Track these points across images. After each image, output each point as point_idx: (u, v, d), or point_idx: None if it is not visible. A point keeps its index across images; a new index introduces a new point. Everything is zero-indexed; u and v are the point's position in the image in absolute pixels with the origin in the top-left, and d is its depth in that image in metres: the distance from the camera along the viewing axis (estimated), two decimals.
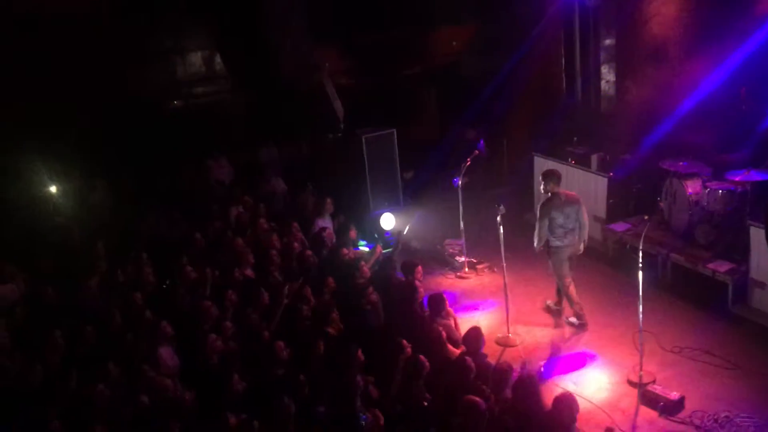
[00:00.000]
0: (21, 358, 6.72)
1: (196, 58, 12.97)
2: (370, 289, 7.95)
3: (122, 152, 11.51)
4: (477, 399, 5.52)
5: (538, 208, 8.52)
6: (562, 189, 8.50)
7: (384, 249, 9.84)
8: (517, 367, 7.57)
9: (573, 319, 8.67)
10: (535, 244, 8.56)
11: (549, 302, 9.07)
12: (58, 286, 8.08)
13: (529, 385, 5.83)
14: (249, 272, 8.66)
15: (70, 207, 10.76)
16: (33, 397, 6.16)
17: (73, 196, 10.97)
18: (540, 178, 8.58)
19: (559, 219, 8.34)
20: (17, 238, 9.46)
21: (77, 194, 11.05)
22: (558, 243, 8.45)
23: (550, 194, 8.39)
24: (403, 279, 8.28)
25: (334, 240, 9.67)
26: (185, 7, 12.08)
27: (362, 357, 6.39)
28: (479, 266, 10.35)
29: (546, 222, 8.36)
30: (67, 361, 6.66)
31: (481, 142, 11.00)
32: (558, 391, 6.31)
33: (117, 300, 7.80)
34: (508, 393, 5.97)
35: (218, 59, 13.03)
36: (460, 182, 10.01)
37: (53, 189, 10.91)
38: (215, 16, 12.51)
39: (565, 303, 8.79)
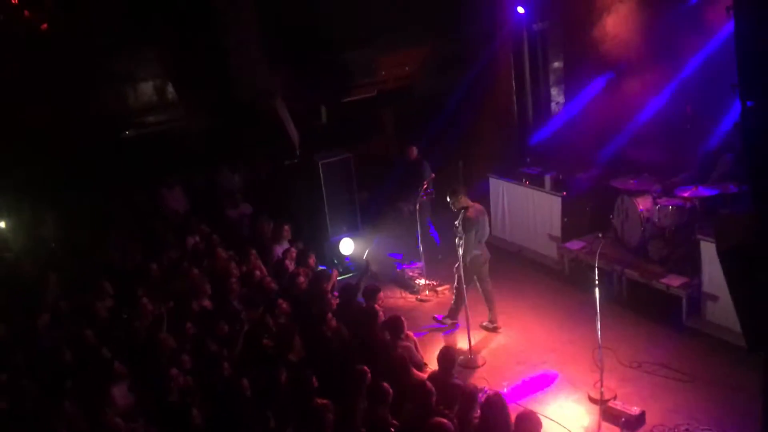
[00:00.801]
0: None
1: (147, 87, 12.81)
2: (329, 315, 7.88)
3: (73, 183, 11.25)
4: (444, 420, 5.50)
5: (461, 223, 8.70)
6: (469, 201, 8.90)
7: (344, 274, 9.80)
8: (482, 388, 7.60)
9: (488, 324, 9.07)
10: (466, 259, 8.71)
11: (485, 323, 9.17)
12: (10, 322, 7.82)
13: (497, 405, 5.82)
14: (206, 302, 8.52)
15: (19, 241, 10.47)
16: None
17: (23, 230, 10.68)
18: (448, 198, 8.87)
19: (479, 230, 8.74)
20: None
21: (26, 228, 10.76)
22: (477, 252, 8.83)
23: (465, 208, 8.71)
24: (364, 304, 8.23)
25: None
26: (136, 35, 11.93)
27: (316, 383, 6.33)
28: (439, 288, 10.37)
29: (472, 234, 8.65)
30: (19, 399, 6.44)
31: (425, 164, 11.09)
32: (520, 410, 6.32)
33: (69, 335, 7.58)
34: (476, 414, 5.95)
35: (170, 87, 12.88)
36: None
37: (1, 224, 10.61)
38: (167, 44, 12.39)
39: (484, 307, 9.16)
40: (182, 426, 5.87)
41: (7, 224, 10.65)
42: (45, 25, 11.63)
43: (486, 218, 8.99)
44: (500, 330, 9.09)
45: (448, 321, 9.29)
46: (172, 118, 12.87)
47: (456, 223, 8.78)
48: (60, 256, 10.01)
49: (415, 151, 11.14)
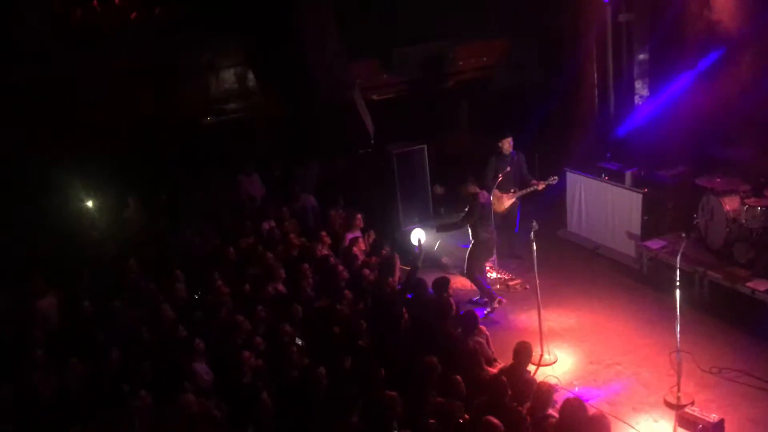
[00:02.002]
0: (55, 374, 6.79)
1: (228, 75, 13.10)
2: (402, 308, 7.89)
3: (156, 168, 11.65)
4: (496, 422, 5.45)
5: (469, 209, 9.33)
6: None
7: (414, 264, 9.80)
8: (554, 386, 7.49)
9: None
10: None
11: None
12: (94, 300, 8.18)
13: (577, 408, 5.71)
14: (281, 287, 8.68)
15: (105, 222, 10.93)
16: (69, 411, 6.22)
17: (108, 212, 11.14)
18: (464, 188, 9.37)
19: (485, 214, 9.31)
20: (55, 252, 9.62)
21: (112, 210, 11.22)
22: (487, 235, 9.38)
23: (474, 194, 9.24)
24: (436, 296, 8.21)
25: (365, 253, 9.71)
26: (219, 25, 12.21)
27: (384, 374, 6.36)
28: (512, 283, 10.25)
29: (476, 217, 9.26)
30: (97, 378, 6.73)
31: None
32: (591, 412, 6.18)
33: (148, 315, 7.87)
34: (553, 413, 5.86)
35: (251, 76, 13.14)
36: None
37: (90, 204, 11.10)
38: (248, 33, 12.64)
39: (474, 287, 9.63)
40: (253, 408, 6.00)
41: (94, 204, 11.12)
42: (134, 14, 12.03)
43: (491, 205, 9.57)
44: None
45: (490, 305, 9.50)
46: (252, 105, 13.13)
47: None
48: (141, 239, 10.37)
49: (511, 142, 10.42)
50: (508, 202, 10.39)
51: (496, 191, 10.26)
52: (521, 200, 10.63)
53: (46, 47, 10.95)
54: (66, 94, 11.10)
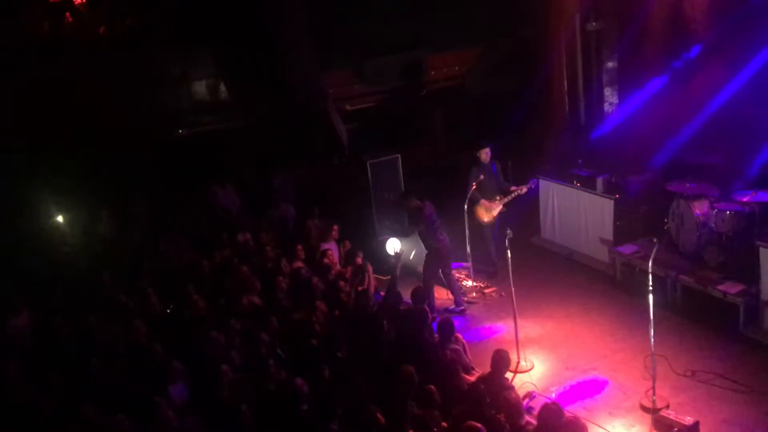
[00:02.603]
0: (30, 391, 6.68)
1: (201, 87, 13.05)
2: (381, 317, 7.88)
3: (129, 181, 11.54)
4: (476, 424, 5.47)
5: (411, 220, 9.79)
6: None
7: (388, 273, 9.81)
8: (530, 393, 7.52)
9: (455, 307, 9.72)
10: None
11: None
12: (68, 316, 8.06)
13: (555, 413, 5.74)
14: (256, 299, 8.63)
15: (77, 236, 10.79)
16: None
17: (80, 226, 11.00)
18: (399, 202, 9.89)
19: (430, 225, 9.50)
20: (27, 268, 9.47)
21: (84, 224, 11.07)
22: (436, 244, 9.57)
23: (418, 207, 9.48)
24: (413, 305, 8.21)
25: (337, 264, 9.70)
26: (191, 37, 12.16)
27: (368, 388, 6.35)
28: (486, 291, 10.29)
29: (422, 227, 9.55)
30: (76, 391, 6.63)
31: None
32: (568, 417, 6.22)
33: (122, 330, 7.77)
34: (530, 420, 5.89)
35: (223, 88, 13.10)
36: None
37: (60, 219, 10.95)
38: (222, 45, 12.60)
39: (449, 293, 9.86)
40: (233, 422, 5.94)
41: (65, 219, 10.97)
42: (102, 29, 11.94)
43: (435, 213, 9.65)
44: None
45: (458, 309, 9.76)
46: (224, 117, 13.08)
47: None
48: (114, 253, 10.25)
49: (488, 152, 10.40)
50: (496, 210, 10.40)
51: (484, 201, 10.33)
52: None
53: (15, 60, 10.80)
54: (36, 107, 10.96)
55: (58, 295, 8.77)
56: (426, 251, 9.77)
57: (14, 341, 7.66)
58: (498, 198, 10.37)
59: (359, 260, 9.72)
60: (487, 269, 10.67)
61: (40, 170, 10.82)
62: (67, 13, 11.53)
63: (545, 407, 5.89)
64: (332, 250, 10.03)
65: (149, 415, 6.08)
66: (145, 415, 6.13)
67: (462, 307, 9.83)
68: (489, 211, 10.42)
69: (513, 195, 10.33)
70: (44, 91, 11.04)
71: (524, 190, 10.32)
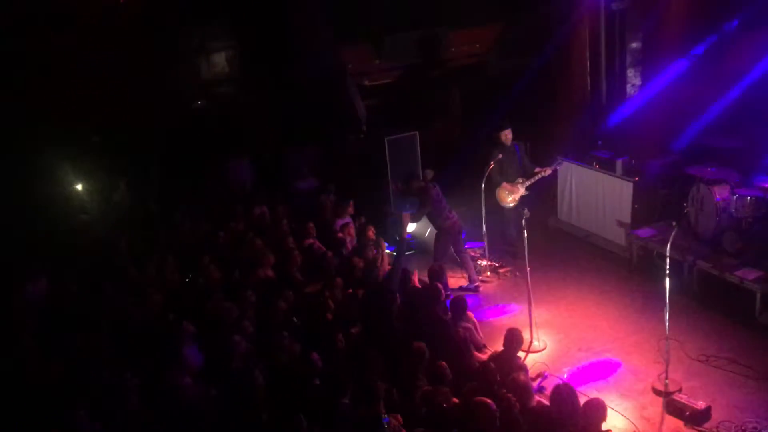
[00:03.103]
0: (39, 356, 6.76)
1: (219, 59, 13.00)
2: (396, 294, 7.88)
3: (147, 152, 11.58)
4: (487, 400, 5.49)
5: (420, 201, 9.54)
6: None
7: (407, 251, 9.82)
8: (542, 372, 7.53)
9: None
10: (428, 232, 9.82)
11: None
12: (83, 283, 8.13)
13: (567, 394, 5.74)
14: (269, 272, 8.66)
15: (95, 205, 10.87)
16: (54, 393, 6.20)
17: (98, 195, 11.08)
18: (402, 185, 9.86)
19: (437, 204, 9.49)
20: (44, 235, 9.56)
21: (102, 193, 11.15)
22: (446, 223, 9.56)
23: (423, 188, 9.51)
24: (427, 283, 8.21)
25: (354, 239, 9.70)
26: (210, 8, 12.10)
27: (382, 362, 6.36)
28: (501, 270, 10.26)
29: (429, 208, 9.48)
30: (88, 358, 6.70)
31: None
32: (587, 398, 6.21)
33: (138, 299, 7.83)
34: (542, 400, 5.89)
35: (242, 60, 13.05)
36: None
37: (79, 187, 11.03)
38: (240, 17, 12.53)
39: (463, 272, 9.87)
40: (244, 392, 5.98)
41: (84, 187, 11.06)
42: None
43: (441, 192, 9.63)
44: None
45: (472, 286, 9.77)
46: (243, 89, 13.05)
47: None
48: (131, 222, 10.32)
49: (509, 134, 10.16)
50: (518, 193, 10.16)
51: (505, 184, 10.16)
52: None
53: (31, 29, 10.81)
54: (55, 77, 10.99)
55: (75, 262, 8.84)
56: (436, 231, 9.73)
57: (30, 307, 7.74)
58: (520, 180, 10.17)
59: (371, 234, 9.72)
60: (507, 249, 10.58)
61: (60, 138, 10.87)
62: None
63: (557, 388, 5.88)
64: (350, 226, 10.02)
65: (163, 382, 6.14)
66: (159, 381, 6.18)
67: (476, 284, 9.81)
68: (511, 194, 10.24)
69: (536, 177, 10.12)
70: (64, 61, 11.04)
71: (548, 171, 10.14)
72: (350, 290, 8.22)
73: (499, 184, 10.21)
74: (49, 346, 6.95)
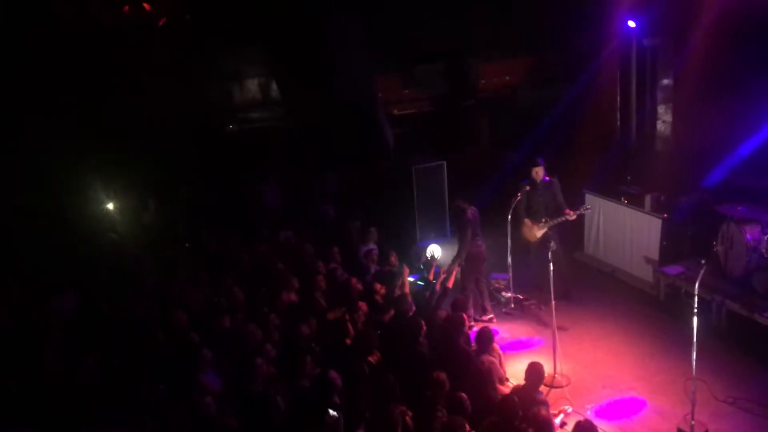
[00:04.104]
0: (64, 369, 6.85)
1: (252, 85, 13.23)
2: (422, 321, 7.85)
3: (177, 173, 11.75)
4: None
5: (460, 224, 9.56)
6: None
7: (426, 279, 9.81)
8: (564, 409, 7.42)
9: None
10: (462, 257, 9.45)
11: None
12: (111, 300, 8.24)
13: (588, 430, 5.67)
14: (293, 296, 8.69)
15: (125, 224, 11.02)
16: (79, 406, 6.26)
17: (128, 214, 11.24)
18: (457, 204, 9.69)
19: (474, 228, 9.55)
20: (75, 252, 9.71)
21: (132, 212, 11.31)
22: (475, 249, 9.55)
23: (463, 210, 9.44)
24: (452, 314, 8.16)
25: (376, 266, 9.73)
26: (246, 34, 12.34)
27: (398, 389, 6.33)
28: (526, 303, 10.18)
29: (468, 233, 9.41)
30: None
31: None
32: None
33: (162, 317, 7.90)
34: None
35: (274, 86, 13.26)
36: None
37: (110, 206, 11.21)
38: (273, 44, 12.75)
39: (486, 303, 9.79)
40: (266, 413, 5.98)
41: (115, 206, 11.23)
42: (163, 20, 12.18)
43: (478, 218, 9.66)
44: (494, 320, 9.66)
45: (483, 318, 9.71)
46: (274, 115, 13.23)
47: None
48: (160, 242, 10.44)
49: (540, 171, 9.86)
50: (539, 232, 9.88)
51: (527, 221, 9.96)
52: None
53: (74, 46, 11.09)
54: (91, 94, 11.24)
55: (103, 279, 8.96)
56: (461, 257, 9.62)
57: (58, 321, 7.84)
58: (544, 220, 9.84)
59: (394, 260, 9.72)
60: (532, 282, 10.44)
61: (92, 156, 11.07)
62: (145, 4, 11.79)
63: (578, 425, 5.80)
64: (374, 253, 10.04)
65: (185, 400, 6.17)
66: (181, 400, 6.21)
67: (490, 316, 9.76)
68: (531, 232, 10.01)
69: (560, 219, 9.77)
70: (101, 79, 11.29)
71: (573, 216, 9.75)
72: (370, 317, 8.21)
73: (521, 220, 10.05)
74: (74, 359, 7.03)
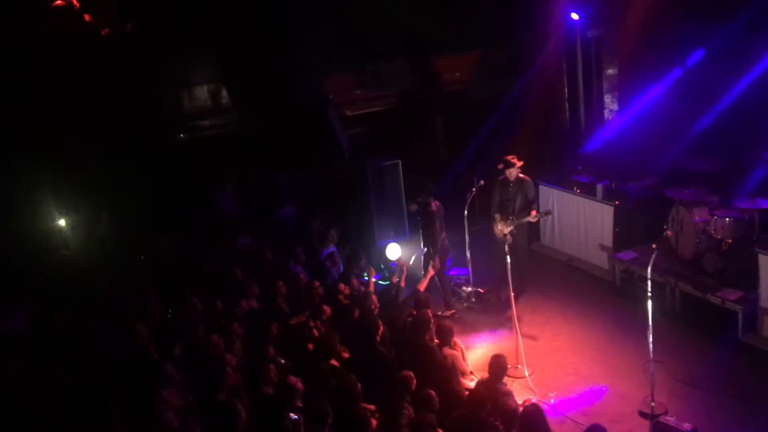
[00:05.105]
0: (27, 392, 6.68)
1: (202, 92, 13.05)
2: (380, 322, 7.86)
3: (129, 184, 11.53)
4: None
5: (426, 220, 9.87)
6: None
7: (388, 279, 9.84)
8: (528, 399, 7.52)
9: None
10: (438, 253, 9.73)
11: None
12: (66, 318, 8.06)
13: (535, 416, 5.75)
14: (253, 303, 8.62)
15: (77, 239, 10.78)
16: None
17: (81, 229, 10.99)
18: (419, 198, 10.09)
19: (441, 222, 9.92)
20: (26, 270, 9.46)
21: (85, 226, 11.07)
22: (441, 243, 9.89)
23: (427, 204, 9.87)
24: (418, 311, 8.20)
25: (340, 268, 9.70)
26: (193, 40, 12.16)
27: (360, 387, 6.34)
28: (486, 296, 10.29)
29: (436, 225, 9.82)
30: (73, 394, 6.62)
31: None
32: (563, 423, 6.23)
33: (121, 333, 7.76)
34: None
35: (224, 92, 13.11)
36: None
37: (62, 222, 10.94)
38: (224, 48, 12.61)
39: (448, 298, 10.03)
40: (229, 424, 5.93)
41: (66, 222, 10.97)
42: (106, 31, 11.93)
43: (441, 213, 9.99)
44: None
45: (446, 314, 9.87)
46: (226, 122, 13.07)
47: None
48: (114, 255, 10.25)
49: (513, 171, 9.83)
50: (506, 228, 9.82)
51: (497, 216, 9.99)
52: None
53: (17, 59, 10.80)
54: (37, 108, 10.95)
55: (56, 296, 8.75)
56: (425, 249, 9.90)
57: (12, 342, 7.64)
58: (511, 218, 9.84)
59: (362, 263, 9.72)
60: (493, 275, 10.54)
61: (42, 172, 10.79)
62: (86, 15, 11.50)
63: (525, 410, 5.92)
64: (335, 255, 10.03)
65: (147, 416, 6.08)
66: (143, 416, 6.12)
67: (452, 311, 9.87)
68: (498, 227, 10.02)
69: (522, 220, 9.77)
70: (44, 91, 11.01)
71: (535, 219, 9.78)
72: (333, 319, 8.20)
73: (492, 217, 10.07)
74: (34, 380, 6.86)
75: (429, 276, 9.14)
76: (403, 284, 9.07)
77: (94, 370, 7.03)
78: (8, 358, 7.15)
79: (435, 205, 9.90)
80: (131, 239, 10.85)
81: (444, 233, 9.98)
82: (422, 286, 8.90)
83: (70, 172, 11.16)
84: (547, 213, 10.32)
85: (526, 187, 9.94)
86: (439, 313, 9.75)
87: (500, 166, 9.87)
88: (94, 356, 7.36)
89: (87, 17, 11.57)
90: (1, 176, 10.48)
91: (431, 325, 7.76)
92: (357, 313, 8.16)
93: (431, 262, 9.40)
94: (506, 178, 9.91)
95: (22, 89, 10.83)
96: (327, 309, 8.20)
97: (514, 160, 9.85)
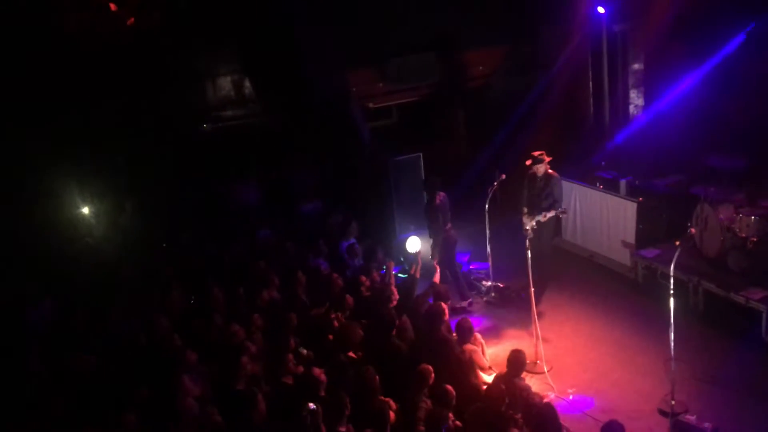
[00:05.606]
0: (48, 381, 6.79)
1: (225, 83, 13.13)
2: (400, 315, 7.88)
3: (153, 174, 11.65)
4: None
5: (429, 212, 9.99)
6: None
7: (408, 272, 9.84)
8: (547, 395, 7.50)
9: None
10: (438, 241, 9.89)
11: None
12: (89, 306, 8.17)
13: (548, 414, 5.74)
14: (275, 294, 8.68)
15: (101, 228, 10.92)
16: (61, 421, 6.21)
17: (105, 218, 11.13)
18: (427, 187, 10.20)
19: (444, 214, 9.96)
20: (50, 258, 9.60)
21: (108, 215, 11.21)
22: (445, 234, 9.93)
23: (432, 196, 9.94)
24: (432, 303, 8.21)
25: (360, 260, 9.73)
26: (216, 32, 12.24)
27: (378, 380, 6.36)
28: (506, 291, 10.25)
29: (439, 218, 9.87)
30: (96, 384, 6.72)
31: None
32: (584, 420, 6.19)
33: (144, 322, 7.85)
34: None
35: (247, 84, 13.18)
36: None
37: (86, 210, 11.09)
38: (246, 42, 12.67)
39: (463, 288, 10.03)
40: (248, 413, 5.98)
41: (90, 210, 11.12)
42: (131, 20, 12.04)
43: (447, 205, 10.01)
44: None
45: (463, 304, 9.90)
46: (248, 113, 13.15)
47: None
48: (136, 245, 10.36)
49: (541, 167, 9.63)
50: (529, 224, 9.53)
51: (525, 209, 9.84)
52: None
53: (44, 52, 10.93)
54: (63, 99, 11.09)
55: (80, 286, 8.87)
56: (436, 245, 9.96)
57: (35, 331, 7.77)
58: (534, 213, 9.58)
59: (380, 256, 9.75)
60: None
61: (66, 160, 10.93)
62: (111, 4, 11.61)
63: (538, 408, 5.89)
64: (355, 247, 10.06)
65: (167, 404, 6.15)
66: (163, 404, 6.19)
67: (469, 300, 9.98)
68: (525, 222, 9.80)
69: (539, 217, 9.42)
70: (70, 83, 11.14)
71: (547, 217, 9.39)
72: (354, 311, 8.23)
73: (521, 209, 9.92)
74: (55, 369, 6.97)
75: (437, 270, 9.28)
76: (418, 275, 9.09)
77: (118, 357, 7.13)
78: (31, 346, 7.27)
79: (440, 197, 9.96)
80: (154, 230, 10.97)
81: (449, 224, 10.00)
82: (437, 278, 9.05)
83: (95, 161, 11.31)
84: (563, 212, 10.17)
85: (553, 184, 9.75)
86: (455, 304, 9.72)
87: (528, 162, 9.75)
88: (118, 344, 7.46)
89: (113, 6, 11.67)
90: (27, 169, 10.64)
91: (446, 317, 7.74)
92: (378, 306, 8.19)
93: (433, 258, 9.64)
94: (534, 173, 9.78)
95: (49, 88, 10.96)
96: (350, 300, 8.23)
97: (543, 156, 9.72)
